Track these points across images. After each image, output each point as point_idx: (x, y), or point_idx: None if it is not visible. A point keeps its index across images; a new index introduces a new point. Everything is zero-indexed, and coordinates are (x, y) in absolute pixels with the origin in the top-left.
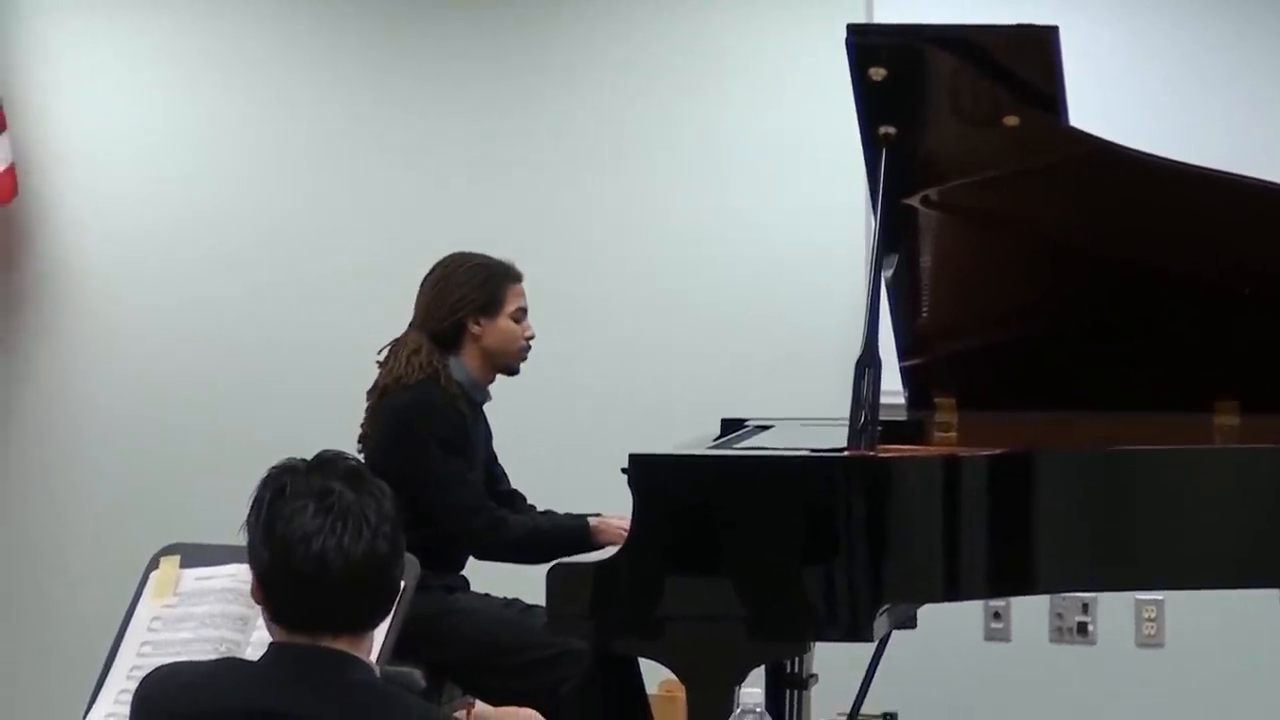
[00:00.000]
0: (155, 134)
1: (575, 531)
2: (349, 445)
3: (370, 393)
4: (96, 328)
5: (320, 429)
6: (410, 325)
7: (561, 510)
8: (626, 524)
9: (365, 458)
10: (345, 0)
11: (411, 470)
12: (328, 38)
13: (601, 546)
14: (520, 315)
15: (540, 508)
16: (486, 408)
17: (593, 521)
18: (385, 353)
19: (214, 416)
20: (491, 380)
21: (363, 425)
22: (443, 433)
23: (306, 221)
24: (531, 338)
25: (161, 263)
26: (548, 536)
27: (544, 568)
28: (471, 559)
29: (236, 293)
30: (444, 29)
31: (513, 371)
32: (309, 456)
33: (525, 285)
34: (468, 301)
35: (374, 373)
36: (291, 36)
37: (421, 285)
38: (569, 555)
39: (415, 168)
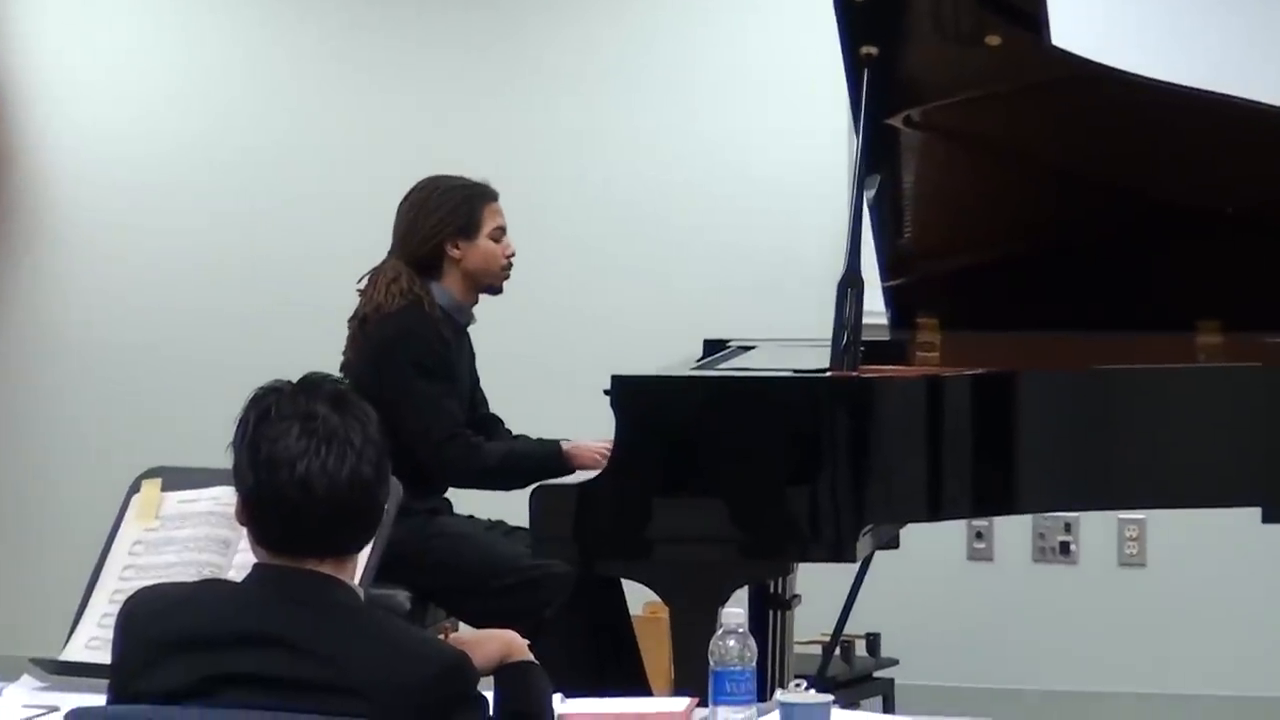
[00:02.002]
0: (140, 58)
1: (549, 456)
2: (334, 370)
3: (351, 321)
4: (81, 252)
5: (306, 353)
6: (389, 253)
7: (539, 436)
8: (600, 448)
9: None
10: None
11: (391, 396)
12: None
13: (574, 471)
14: (499, 234)
15: (522, 429)
16: (470, 331)
17: (565, 446)
18: (365, 281)
19: (196, 340)
20: (474, 302)
21: (345, 353)
22: (422, 359)
23: (290, 147)
24: (512, 255)
25: (145, 187)
26: (521, 462)
27: (527, 491)
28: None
29: (222, 217)
30: None
31: (496, 291)
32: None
33: (509, 211)
34: (445, 225)
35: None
36: None
37: (397, 212)
38: (541, 480)
39: (396, 93)
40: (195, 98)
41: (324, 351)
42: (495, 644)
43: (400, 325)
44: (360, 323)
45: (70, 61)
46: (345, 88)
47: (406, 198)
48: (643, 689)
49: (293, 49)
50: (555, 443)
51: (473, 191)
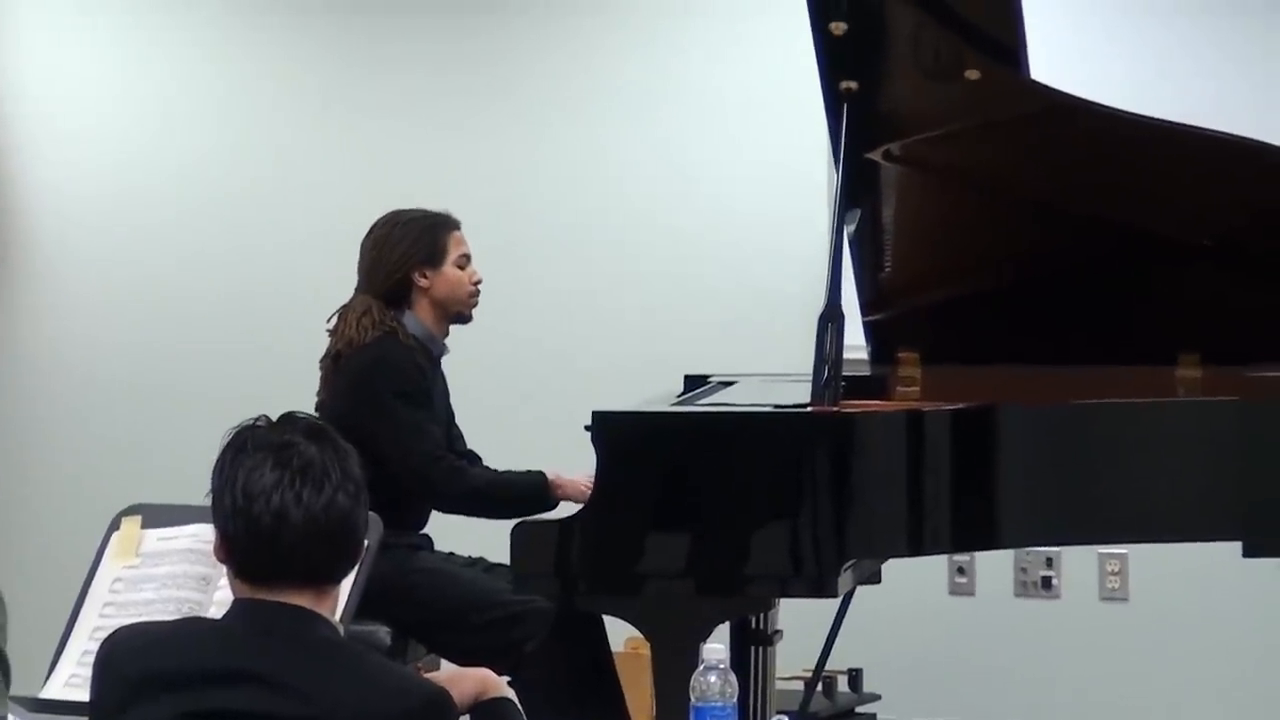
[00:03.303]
0: (115, 92)
1: (534, 485)
2: (312, 407)
3: (323, 360)
4: (58, 288)
5: (286, 390)
6: (355, 290)
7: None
8: (585, 480)
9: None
10: None
11: (371, 426)
12: None
13: (557, 502)
14: (464, 262)
15: (502, 465)
16: (446, 367)
17: (551, 476)
18: (334, 319)
19: (176, 378)
20: (446, 332)
21: (319, 393)
22: (402, 386)
23: (267, 182)
24: (479, 282)
25: (122, 222)
26: (507, 488)
27: (507, 526)
28: (434, 517)
29: (200, 252)
30: None
31: (465, 319)
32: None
33: (486, 245)
34: (411, 255)
35: None
36: None
37: (361, 248)
38: (527, 508)
39: (375, 128)
40: (173, 132)
41: (306, 388)
42: (470, 682)
43: (376, 354)
44: (333, 360)
45: (49, 100)
46: (325, 128)
47: (369, 234)
48: None
49: (273, 90)
50: (540, 473)
51: (435, 221)
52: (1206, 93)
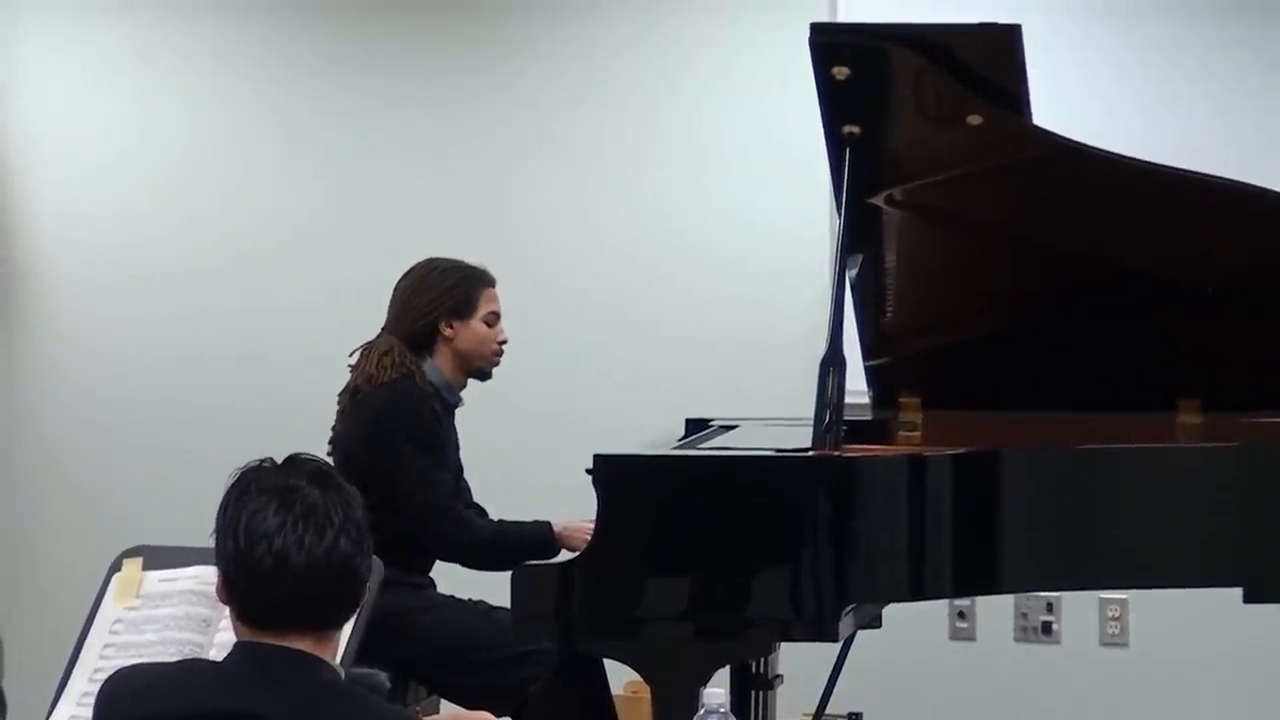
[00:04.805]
0: (124, 137)
1: (540, 536)
2: (319, 449)
3: (342, 394)
4: (63, 329)
5: (289, 431)
6: (382, 329)
7: (522, 512)
8: (590, 528)
9: (335, 458)
10: (321, 4)
11: (382, 466)
12: (303, 42)
13: (559, 550)
14: (493, 319)
15: (504, 509)
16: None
17: (557, 527)
18: (357, 355)
19: (179, 418)
20: (463, 385)
21: (334, 426)
22: (416, 429)
23: (275, 225)
24: (504, 342)
25: (127, 264)
26: (513, 539)
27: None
28: (439, 561)
29: (204, 294)
30: (420, 33)
31: (485, 376)
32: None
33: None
34: (440, 304)
35: (344, 377)
36: (266, 40)
37: (395, 289)
38: (530, 560)
39: (386, 170)
40: (181, 176)
41: (308, 430)
42: None
43: (394, 394)
44: (351, 394)
45: (56, 140)
46: (336, 167)
47: (405, 276)
48: None
49: (284, 129)
50: (546, 523)
51: (470, 274)
52: (1209, 135)
